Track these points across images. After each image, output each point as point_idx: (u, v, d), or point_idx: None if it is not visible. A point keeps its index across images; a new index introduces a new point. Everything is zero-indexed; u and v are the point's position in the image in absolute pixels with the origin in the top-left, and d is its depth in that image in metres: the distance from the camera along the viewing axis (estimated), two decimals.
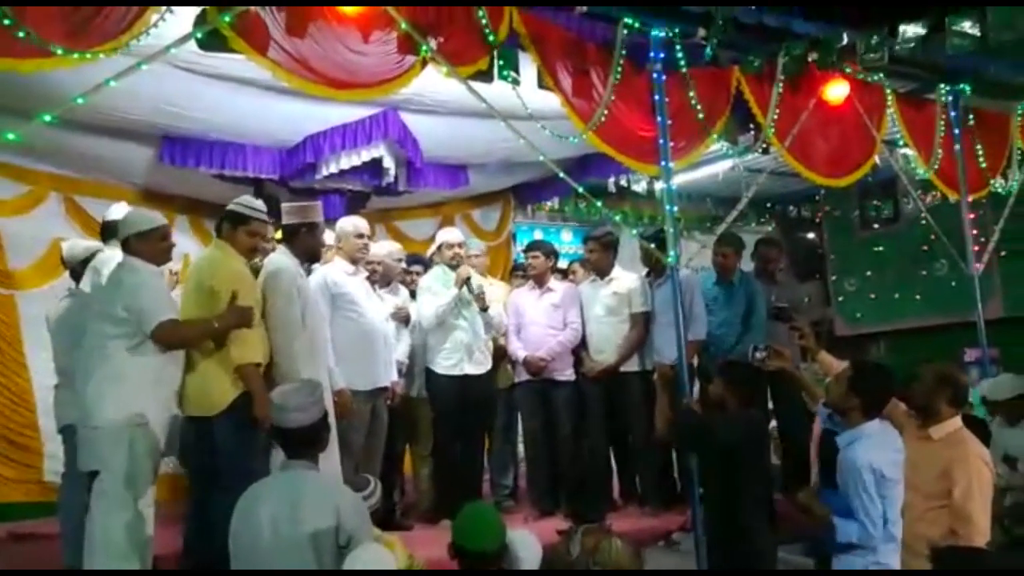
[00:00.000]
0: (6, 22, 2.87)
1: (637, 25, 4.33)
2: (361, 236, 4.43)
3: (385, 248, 4.88)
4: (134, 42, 3.18)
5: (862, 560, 2.96)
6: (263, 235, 3.78)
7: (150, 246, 3.45)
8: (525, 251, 5.04)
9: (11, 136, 3.18)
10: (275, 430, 2.83)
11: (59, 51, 2.99)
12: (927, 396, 3.34)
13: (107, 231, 4.21)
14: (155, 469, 3.37)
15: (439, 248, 4.84)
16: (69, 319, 3.94)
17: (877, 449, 3.00)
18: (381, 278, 4.72)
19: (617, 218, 5.22)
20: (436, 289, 4.68)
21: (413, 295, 4.89)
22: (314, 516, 2.63)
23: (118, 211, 4.20)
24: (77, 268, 4.08)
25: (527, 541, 2.85)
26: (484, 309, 4.66)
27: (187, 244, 5.87)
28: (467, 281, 4.57)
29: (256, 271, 3.94)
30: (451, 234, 4.92)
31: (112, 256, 3.86)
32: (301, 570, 2.64)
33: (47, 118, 3.25)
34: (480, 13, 3.82)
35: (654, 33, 4.38)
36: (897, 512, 3.00)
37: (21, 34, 2.90)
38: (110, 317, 3.30)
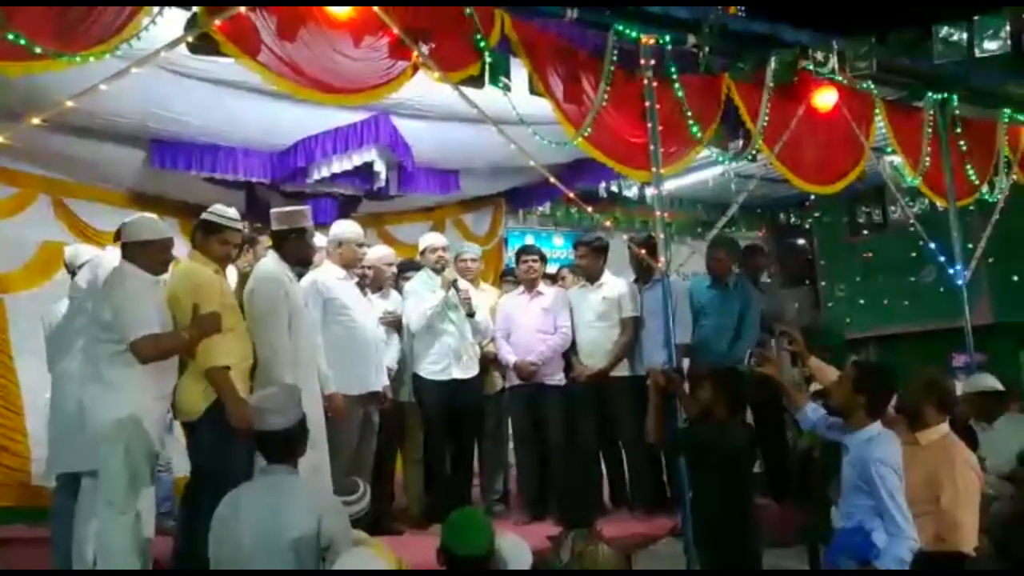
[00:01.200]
0: None
1: (628, 32, 4.35)
2: (362, 245, 4.44)
3: (378, 253, 4.87)
4: (124, 45, 3.18)
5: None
6: (236, 243, 3.78)
7: (148, 257, 3.44)
8: (522, 255, 5.01)
9: (0, 138, 3.17)
10: (254, 434, 2.83)
11: (48, 53, 2.98)
12: (915, 402, 3.37)
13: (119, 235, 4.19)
14: (152, 471, 3.37)
15: (423, 252, 4.84)
16: (64, 323, 3.93)
17: (894, 449, 3.03)
18: (372, 283, 4.72)
19: (607, 223, 5.20)
20: (421, 292, 4.68)
21: None
22: (296, 521, 2.64)
23: None
24: (79, 272, 4.07)
25: (517, 546, 2.86)
26: (471, 315, 4.65)
27: (177, 247, 5.84)
28: (453, 284, 4.57)
29: (245, 276, 3.93)
30: (435, 238, 4.93)
31: (113, 257, 3.85)
32: (297, 570, 2.65)
33: (36, 120, 3.24)
34: (472, 19, 3.83)
35: (644, 40, 4.40)
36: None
37: (10, 36, 2.89)
38: (100, 321, 3.32)
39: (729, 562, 3.43)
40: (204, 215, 3.70)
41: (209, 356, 3.43)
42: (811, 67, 4.87)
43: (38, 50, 2.96)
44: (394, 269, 4.93)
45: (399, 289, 4.95)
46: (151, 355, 3.30)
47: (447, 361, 4.62)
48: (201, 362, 3.42)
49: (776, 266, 10.48)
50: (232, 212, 3.76)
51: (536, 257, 4.95)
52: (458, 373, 4.64)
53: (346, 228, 4.45)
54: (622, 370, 4.78)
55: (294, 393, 2.92)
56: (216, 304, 3.50)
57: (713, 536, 3.52)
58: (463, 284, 4.70)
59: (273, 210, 4.06)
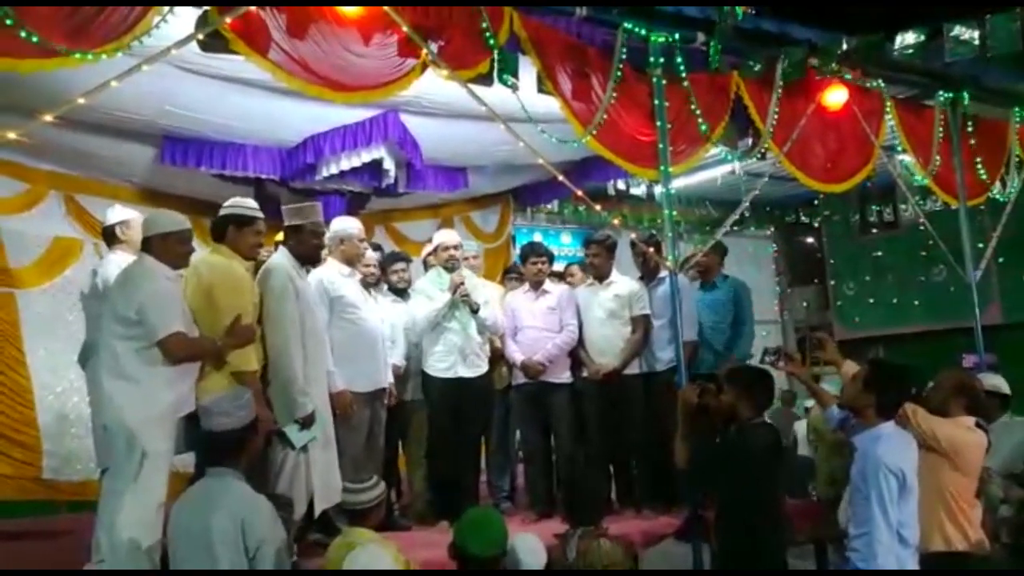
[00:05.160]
0: (8, 22, 2.87)
1: (637, 30, 4.35)
2: (363, 240, 4.44)
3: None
4: (136, 43, 3.19)
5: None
6: (264, 232, 3.79)
7: (168, 249, 3.42)
8: (530, 256, 4.97)
9: (12, 135, 3.19)
10: (203, 435, 2.84)
11: (61, 51, 2.99)
12: (943, 402, 3.37)
13: (106, 236, 4.21)
14: (166, 469, 3.34)
15: (435, 250, 4.83)
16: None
17: (901, 451, 2.99)
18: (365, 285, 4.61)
19: (615, 221, 5.20)
20: (431, 292, 4.68)
21: (398, 292, 4.84)
22: (217, 522, 2.66)
23: (116, 215, 4.20)
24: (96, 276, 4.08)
25: (531, 545, 2.87)
26: (475, 311, 4.65)
27: None
28: (460, 286, 4.58)
29: (259, 267, 3.95)
30: (448, 236, 4.91)
31: (115, 260, 3.87)
32: (303, 571, 2.66)
33: (48, 117, 3.26)
34: (481, 17, 3.83)
35: (654, 38, 4.39)
36: (915, 518, 2.99)
37: (23, 34, 2.90)
38: (122, 318, 3.27)
39: (761, 563, 3.34)
40: (231, 209, 3.66)
41: (242, 360, 3.44)
42: (821, 65, 4.86)
43: (50, 47, 2.97)
44: (373, 270, 4.73)
45: (393, 283, 4.90)
46: (179, 354, 3.27)
47: (453, 359, 4.61)
48: (233, 364, 3.42)
49: (785, 264, 10.48)
50: (252, 203, 3.76)
51: (545, 259, 4.94)
52: (464, 371, 4.62)
53: (346, 224, 4.43)
54: (632, 367, 4.78)
55: (241, 396, 2.94)
56: (251, 307, 3.52)
57: (746, 539, 3.33)
58: (471, 280, 4.70)
59: (285, 206, 4.08)
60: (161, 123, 5.05)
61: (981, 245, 6.10)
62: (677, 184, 5.12)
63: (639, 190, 8.02)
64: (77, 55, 3.05)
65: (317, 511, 3.71)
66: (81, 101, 3.30)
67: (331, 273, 4.26)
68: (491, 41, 3.87)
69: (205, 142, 5.35)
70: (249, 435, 2.86)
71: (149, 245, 3.44)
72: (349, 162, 5.44)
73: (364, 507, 3.13)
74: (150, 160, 5.43)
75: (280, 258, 3.86)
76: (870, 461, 2.95)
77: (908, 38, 4.93)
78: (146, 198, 5.85)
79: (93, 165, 5.62)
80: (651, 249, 4.79)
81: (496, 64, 3.95)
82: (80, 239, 5.67)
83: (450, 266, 4.68)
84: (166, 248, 3.42)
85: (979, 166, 6.01)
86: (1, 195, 5.41)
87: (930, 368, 4.00)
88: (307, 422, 3.64)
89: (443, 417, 4.61)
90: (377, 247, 5.02)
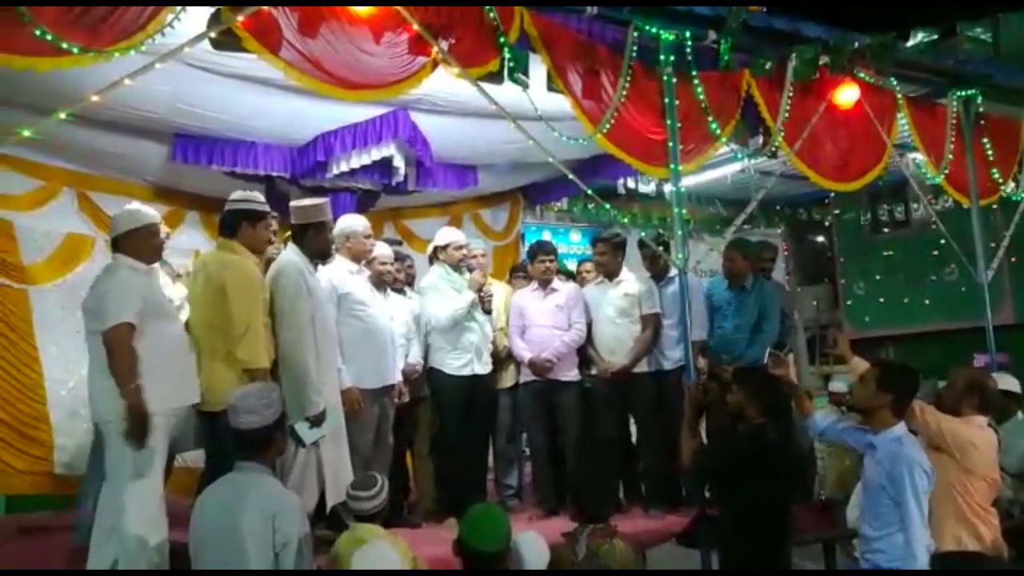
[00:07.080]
0: (24, 21, 2.90)
1: (648, 28, 4.34)
2: (369, 236, 4.45)
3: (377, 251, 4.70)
4: (148, 41, 3.21)
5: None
6: (271, 225, 3.82)
7: (137, 245, 3.44)
8: (538, 254, 4.96)
9: (27, 133, 3.22)
10: (230, 430, 2.84)
11: (75, 50, 3.01)
12: (956, 401, 3.37)
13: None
14: (163, 463, 3.37)
15: (446, 248, 4.84)
16: None
17: (921, 450, 3.04)
18: (378, 283, 4.62)
19: (625, 220, 5.19)
20: (443, 289, 4.69)
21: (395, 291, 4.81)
22: (248, 519, 2.66)
23: None
24: None
25: (534, 544, 2.88)
26: (488, 312, 4.69)
27: (198, 240, 5.94)
28: (484, 286, 4.62)
29: (270, 262, 3.97)
30: (457, 234, 4.93)
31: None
32: (302, 570, 2.68)
33: (62, 115, 3.29)
34: (491, 15, 3.84)
35: (664, 36, 4.38)
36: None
37: (37, 32, 2.93)
38: (88, 313, 3.34)
39: (765, 562, 3.34)
40: (243, 204, 3.68)
41: (254, 356, 3.46)
42: (832, 63, 4.83)
43: (65, 46, 3.00)
44: (389, 267, 4.68)
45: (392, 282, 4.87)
46: (114, 348, 3.18)
47: (469, 357, 4.66)
48: (243, 360, 3.44)
49: (795, 263, 10.43)
50: (260, 196, 3.80)
51: (553, 257, 4.96)
52: (479, 369, 4.69)
53: (352, 221, 4.45)
54: (640, 366, 4.78)
55: (271, 392, 2.94)
56: (262, 305, 3.56)
57: (751, 538, 3.36)
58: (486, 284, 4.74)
59: (293, 204, 4.10)
60: (173, 121, 5.07)
61: (993, 244, 6.06)
62: (687, 182, 5.10)
63: (649, 188, 7.99)
64: (91, 54, 3.07)
65: (328, 507, 3.74)
66: (95, 99, 3.33)
67: (339, 270, 4.28)
68: (501, 39, 3.88)
69: (216, 140, 5.37)
70: (277, 433, 2.86)
71: (119, 245, 3.46)
72: (359, 160, 5.44)
73: (368, 513, 3.15)
74: (162, 157, 5.45)
75: (291, 255, 3.88)
76: (902, 461, 2.95)
77: (921, 36, 4.88)
78: (158, 195, 5.88)
79: (106, 162, 5.64)
80: (660, 248, 4.79)
81: (506, 62, 3.95)
82: (92, 236, 5.69)
83: (467, 266, 4.71)
84: (135, 245, 3.44)
85: (992, 165, 5.98)
86: (15, 191, 5.43)
87: (941, 368, 3.99)
88: (317, 420, 3.66)
89: (456, 414, 4.64)
90: (399, 242, 4.99)
